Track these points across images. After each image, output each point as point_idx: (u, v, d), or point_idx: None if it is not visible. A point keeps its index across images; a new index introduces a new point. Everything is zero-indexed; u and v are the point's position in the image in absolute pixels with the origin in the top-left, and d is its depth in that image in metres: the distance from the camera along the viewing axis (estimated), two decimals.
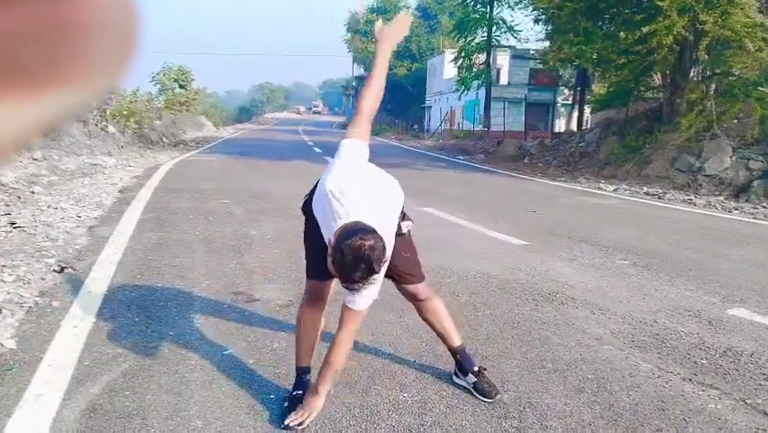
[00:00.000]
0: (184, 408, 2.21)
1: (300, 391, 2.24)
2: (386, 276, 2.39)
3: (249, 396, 2.34)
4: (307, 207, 2.20)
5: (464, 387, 2.44)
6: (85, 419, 2.11)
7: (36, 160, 8.86)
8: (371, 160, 2.21)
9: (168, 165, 11.83)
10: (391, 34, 2.29)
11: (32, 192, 6.87)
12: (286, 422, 2.09)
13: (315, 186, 2.22)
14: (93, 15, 0.22)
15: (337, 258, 1.79)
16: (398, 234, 2.18)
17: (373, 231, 1.82)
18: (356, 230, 1.81)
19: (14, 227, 5.00)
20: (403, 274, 2.33)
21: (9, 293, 3.34)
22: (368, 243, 1.77)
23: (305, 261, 2.33)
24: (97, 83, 0.24)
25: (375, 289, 2.02)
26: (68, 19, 0.22)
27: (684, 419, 2.26)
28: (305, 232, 2.31)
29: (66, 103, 0.24)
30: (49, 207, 6.08)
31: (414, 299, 2.43)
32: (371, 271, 1.79)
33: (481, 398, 2.35)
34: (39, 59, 0.21)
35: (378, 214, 1.94)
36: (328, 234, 1.94)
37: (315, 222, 2.11)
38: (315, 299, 2.32)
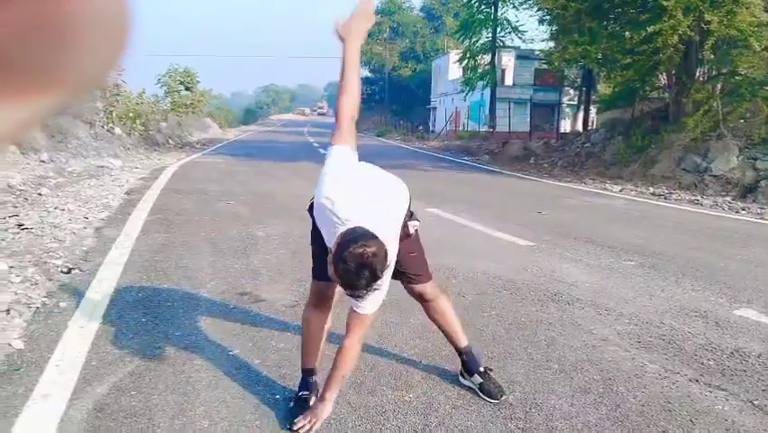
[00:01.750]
0: (190, 408, 2.22)
1: (306, 392, 2.24)
2: (393, 277, 2.39)
3: (254, 396, 2.34)
4: (313, 209, 2.20)
5: (470, 387, 2.44)
6: (92, 418, 2.12)
7: (43, 162, 8.91)
8: (376, 162, 2.22)
9: (174, 167, 11.87)
10: (358, 26, 2.09)
11: (40, 194, 6.91)
12: (294, 428, 2.08)
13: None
14: (82, 11, 0.23)
15: (339, 267, 1.73)
16: (406, 234, 2.16)
17: (374, 237, 1.76)
18: (356, 237, 1.75)
19: (22, 229, 5.03)
20: (410, 274, 2.33)
21: (17, 294, 3.36)
22: (370, 249, 1.72)
23: (311, 261, 2.33)
24: (88, 80, 0.25)
25: (381, 293, 1.98)
26: (60, 17, 0.22)
27: (691, 421, 2.25)
28: (311, 233, 2.31)
29: (56, 99, 0.24)
30: (56, 208, 6.11)
31: (421, 298, 2.42)
32: (375, 277, 1.74)
33: (487, 399, 2.35)
34: (31, 58, 0.22)
35: (378, 216, 1.89)
36: (329, 243, 1.89)
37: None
38: (320, 299, 2.32)
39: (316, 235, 2.17)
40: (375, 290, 1.81)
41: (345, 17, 2.11)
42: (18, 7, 0.21)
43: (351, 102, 2.09)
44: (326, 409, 2.12)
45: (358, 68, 2.11)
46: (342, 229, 1.82)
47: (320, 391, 2.26)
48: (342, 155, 2.03)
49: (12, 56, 0.21)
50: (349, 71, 2.08)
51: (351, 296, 1.88)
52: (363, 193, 1.96)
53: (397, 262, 2.06)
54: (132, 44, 0.25)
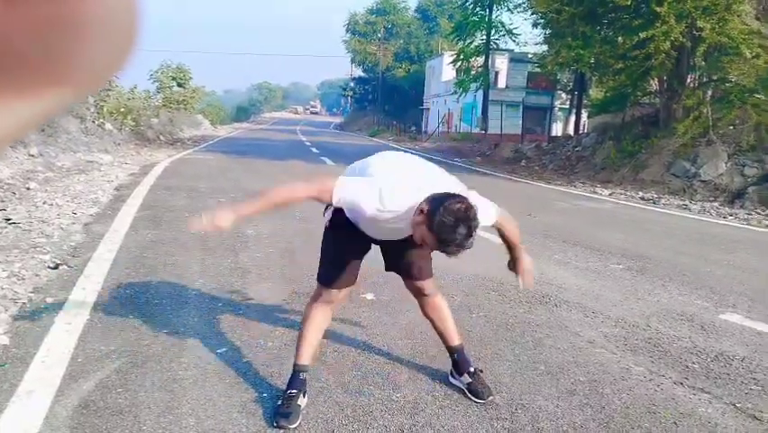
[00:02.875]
0: (177, 405, 2.21)
1: (294, 390, 2.24)
2: (394, 270, 2.41)
3: (242, 394, 2.34)
4: (335, 216, 2.18)
5: (457, 388, 2.45)
6: (77, 415, 2.11)
7: (32, 156, 8.83)
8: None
9: (164, 163, 11.80)
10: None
11: (28, 188, 6.86)
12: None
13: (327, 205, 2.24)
14: (94, 11, 0.23)
15: (436, 222, 1.78)
16: None
17: (463, 196, 1.85)
18: (448, 195, 1.83)
19: (9, 223, 4.98)
20: (415, 268, 2.34)
21: (3, 289, 3.33)
22: (465, 204, 1.80)
23: (320, 267, 2.32)
24: (96, 78, 0.25)
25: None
26: (69, 15, 0.22)
27: (675, 423, 2.28)
28: (328, 238, 2.30)
29: (64, 98, 0.24)
30: (44, 203, 6.06)
31: (420, 294, 2.44)
32: (470, 232, 1.80)
33: (474, 399, 2.36)
34: (43, 56, 0.22)
35: (440, 181, 1.99)
36: (404, 216, 1.94)
37: (345, 230, 2.14)
38: (328, 302, 2.33)
39: (337, 240, 2.18)
40: (467, 248, 1.84)
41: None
42: (33, 6, 0.21)
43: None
44: (226, 217, 1.94)
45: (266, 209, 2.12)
46: (423, 196, 1.88)
47: (306, 389, 2.27)
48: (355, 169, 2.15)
49: (26, 53, 0.22)
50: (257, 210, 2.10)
51: (443, 251, 1.89)
52: (416, 172, 2.07)
53: (406, 254, 2.08)
54: (139, 44, 0.25)
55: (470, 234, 1.80)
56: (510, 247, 2.33)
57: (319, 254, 2.36)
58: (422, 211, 1.85)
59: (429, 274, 2.40)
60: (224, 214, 1.94)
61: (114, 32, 0.24)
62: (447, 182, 2.08)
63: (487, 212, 2.07)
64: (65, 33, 0.22)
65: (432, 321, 2.50)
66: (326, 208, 2.29)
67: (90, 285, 3.56)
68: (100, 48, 0.24)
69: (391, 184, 1.96)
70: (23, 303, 3.19)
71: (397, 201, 1.94)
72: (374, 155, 2.25)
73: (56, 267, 3.87)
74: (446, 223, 1.78)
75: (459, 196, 1.84)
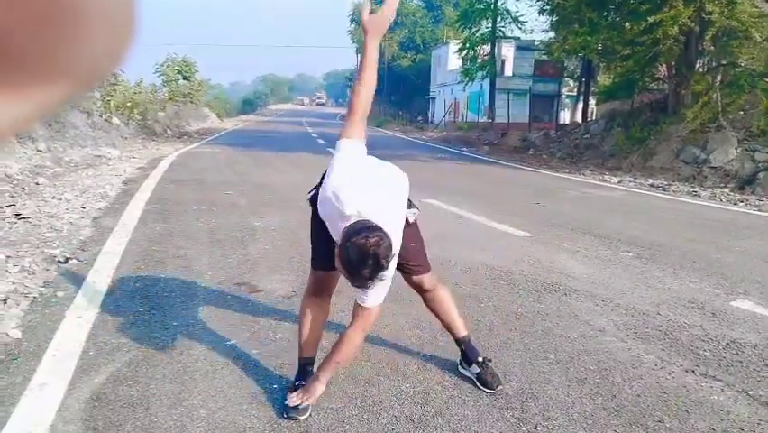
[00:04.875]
0: (187, 397, 2.23)
1: (303, 382, 2.24)
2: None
3: (252, 386, 2.35)
4: (314, 199, 2.19)
5: (467, 377, 2.45)
6: (89, 408, 2.13)
7: (40, 151, 8.88)
8: (374, 152, 2.21)
9: (172, 156, 11.84)
10: (381, 21, 2.08)
11: (37, 183, 6.90)
12: (288, 402, 2.10)
13: (322, 178, 2.22)
14: (93, 3, 0.23)
15: (344, 257, 1.79)
16: (405, 223, 2.17)
17: (378, 228, 1.81)
18: (360, 228, 1.80)
19: (19, 218, 5.02)
20: (410, 265, 2.33)
21: (14, 283, 3.36)
22: (372, 240, 1.76)
23: (310, 251, 2.33)
24: (96, 71, 0.24)
25: (385, 286, 2.02)
26: (68, 8, 0.22)
27: (686, 411, 2.26)
28: (311, 222, 2.30)
29: (62, 93, 0.24)
30: (53, 198, 6.10)
31: (420, 289, 2.43)
32: (379, 268, 1.78)
33: (484, 388, 2.36)
34: (40, 49, 0.22)
35: (382, 207, 1.93)
36: (336, 235, 1.93)
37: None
38: (319, 289, 2.32)
39: (317, 226, 2.17)
40: (380, 280, 1.84)
41: (369, 8, 2.09)
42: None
43: (369, 95, 2.11)
44: (319, 389, 2.14)
45: (377, 62, 2.11)
46: (346, 223, 1.86)
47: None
48: (352, 149, 2.06)
49: (26, 47, 0.21)
50: (369, 64, 2.09)
51: (357, 287, 1.91)
52: (370, 186, 1.98)
53: (400, 251, 2.07)
54: (138, 38, 0.25)
55: (378, 269, 1.78)
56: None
57: None
58: (338, 244, 1.85)
59: (427, 269, 2.39)
60: (316, 387, 2.14)
61: (113, 24, 0.24)
62: (391, 193, 2.05)
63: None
64: (64, 26, 0.22)
65: (436, 314, 2.50)
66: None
67: (100, 279, 3.58)
68: (99, 41, 0.24)
69: (346, 180, 1.95)
70: (34, 297, 3.22)
71: (351, 197, 1.90)
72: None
73: (66, 261, 3.89)
74: (350, 258, 1.77)
75: (370, 229, 1.79)
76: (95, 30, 0.23)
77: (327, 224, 2.03)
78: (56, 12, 0.21)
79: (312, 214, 2.24)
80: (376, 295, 2.03)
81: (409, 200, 2.22)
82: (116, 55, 0.25)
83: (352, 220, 1.86)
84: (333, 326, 2.77)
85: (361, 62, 2.12)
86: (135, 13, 0.25)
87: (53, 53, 0.22)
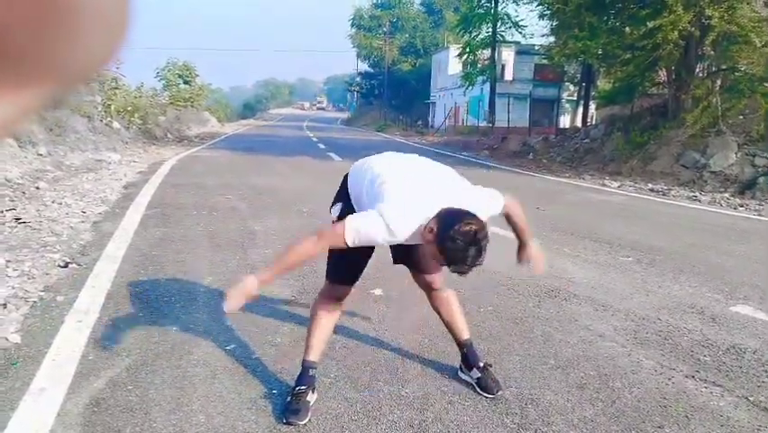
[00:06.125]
0: (187, 402, 2.22)
1: (303, 387, 2.23)
2: (403, 263, 2.41)
3: (251, 391, 2.35)
4: (342, 216, 2.11)
5: (467, 382, 2.44)
6: (88, 413, 2.12)
7: (41, 155, 8.89)
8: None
9: (172, 161, 11.85)
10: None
11: (37, 188, 6.90)
12: (224, 307, 2.00)
13: (339, 193, 2.23)
14: (86, 3, 0.23)
15: (448, 246, 1.79)
16: None
17: (473, 214, 1.84)
18: (459, 214, 1.82)
19: (19, 223, 5.02)
20: (423, 262, 2.33)
21: (14, 288, 3.36)
22: (476, 226, 1.79)
23: (328, 264, 2.29)
24: (85, 71, 0.25)
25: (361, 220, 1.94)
26: (62, 4, 0.22)
27: (686, 416, 2.26)
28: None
29: (53, 91, 0.24)
30: (53, 202, 6.10)
31: (429, 288, 2.43)
32: (480, 253, 1.81)
33: (483, 393, 2.35)
34: (32, 47, 0.22)
35: (452, 199, 1.94)
36: (415, 232, 1.91)
37: None
38: (335, 300, 2.32)
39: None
40: (479, 265, 1.86)
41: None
42: None
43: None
44: (251, 283, 1.95)
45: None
46: (429, 216, 1.87)
47: (315, 386, 2.27)
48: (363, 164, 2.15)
49: (22, 45, 0.21)
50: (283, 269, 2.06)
51: (455, 271, 1.91)
52: (418, 191, 1.98)
53: (414, 248, 2.08)
54: (131, 36, 0.25)
55: (479, 255, 1.81)
56: (518, 233, 2.32)
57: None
58: (431, 230, 1.85)
59: (439, 268, 2.39)
60: (249, 283, 1.94)
61: (108, 22, 0.24)
62: (452, 185, 2.07)
63: (494, 203, 2.10)
64: (61, 25, 0.22)
65: (440, 315, 2.50)
66: (333, 204, 2.28)
67: (100, 283, 3.58)
68: (94, 39, 0.24)
69: (397, 210, 1.90)
70: (34, 302, 3.22)
71: (405, 227, 1.91)
72: (377, 158, 2.23)
73: (66, 266, 3.89)
74: (457, 246, 1.78)
75: (468, 215, 1.82)
76: (90, 28, 0.23)
77: (393, 242, 1.99)
78: (54, 10, 0.22)
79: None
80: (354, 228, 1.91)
81: None
82: (109, 53, 0.25)
83: (433, 205, 1.87)
84: (338, 329, 2.77)
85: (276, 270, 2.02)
86: (130, 11, 0.25)
87: (51, 51, 0.22)
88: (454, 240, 1.77)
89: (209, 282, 3.74)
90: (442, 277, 2.42)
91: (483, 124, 26.03)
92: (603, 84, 19.92)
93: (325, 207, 2.32)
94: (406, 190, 1.97)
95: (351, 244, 1.93)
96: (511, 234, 2.41)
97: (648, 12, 11.10)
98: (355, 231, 1.90)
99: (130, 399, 2.23)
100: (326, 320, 2.32)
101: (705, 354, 2.87)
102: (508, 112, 22.72)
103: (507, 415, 2.23)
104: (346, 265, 2.26)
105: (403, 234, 1.93)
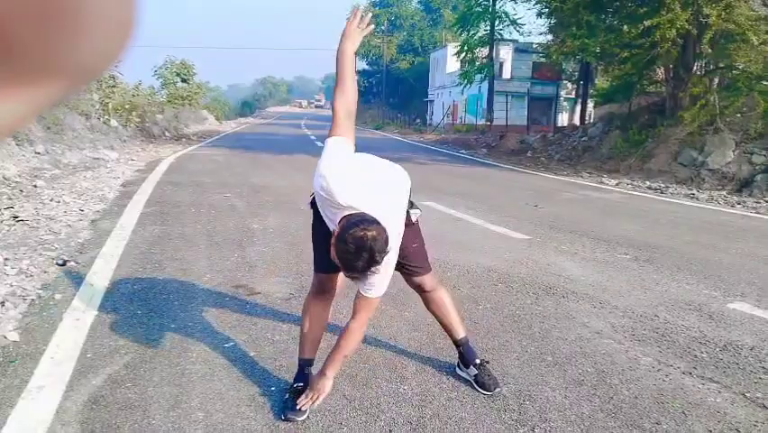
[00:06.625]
0: (185, 400, 2.23)
1: (301, 384, 2.25)
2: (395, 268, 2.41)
3: (250, 388, 2.35)
4: (314, 202, 2.20)
5: (465, 379, 2.45)
6: (87, 410, 2.13)
7: (39, 154, 8.87)
8: (374, 154, 2.22)
9: (170, 159, 11.84)
10: (359, 35, 2.19)
11: (35, 186, 6.89)
12: (298, 406, 2.11)
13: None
14: (91, 3, 0.23)
15: (340, 248, 1.80)
16: (407, 223, 2.17)
17: (375, 221, 1.83)
18: (358, 221, 1.82)
19: (17, 221, 5.01)
20: (411, 266, 2.34)
21: (12, 286, 3.36)
22: (370, 233, 1.78)
23: (312, 254, 2.33)
24: (93, 68, 0.25)
25: (386, 277, 2.03)
26: (68, 4, 0.22)
27: (683, 413, 2.27)
28: (312, 225, 2.31)
29: (57, 90, 0.24)
30: (51, 200, 6.10)
31: (420, 290, 2.44)
32: (373, 260, 1.80)
33: (481, 390, 2.36)
34: (36, 46, 0.22)
35: (379, 204, 1.94)
36: (332, 226, 1.95)
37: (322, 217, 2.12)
38: (321, 291, 2.33)
39: (318, 227, 2.18)
40: (373, 273, 1.87)
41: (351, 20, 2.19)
42: None
43: (347, 98, 2.13)
44: (327, 385, 2.14)
45: (354, 67, 2.19)
46: (342, 213, 1.88)
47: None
48: (338, 146, 2.06)
49: (25, 43, 0.21)
50: (346, 71, 2.14)
51: (349, 278, 1.94)
52: (362, 180, 1.99)
53: (399, 253, 2.08)
54: (135, 36, 0.25)
55: (372, 263, 1.80)
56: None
57: None
58: (335, 230, 1.87)
59: (428, 270, 2.40)
60: (324, 383, 2.14)
61: (113, 22, 0.24)
62: (397, 199, 2.08)
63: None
64: (65, 23, 0.22)
65: (435, 316, 2.50)
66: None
67: (98, 281, 3.58)
68: (98, 38, 0.24)
69: (339, 167, 1.96)
70: (32, 300, 3.22)
71: (340, 180, 1.91)
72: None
73: (64, 264, 3.89)
74: (348, 249, 1.78)
75: (372, 222, 1.81)
76: (94, 27, 0.23)
77: (326, 220, 2.04)
78: (58, 8, 0.22)
79: (313, 217, 2.25)
80: (378, 287, 2.04)
81: (411, 201, 2.24)
82: (114, 53, 0.25)
83: (347, 212, 1.87)
84: (333, 327, 2.77)
85: (338, 67, 2.14)
86: (135, 12, 0.25)
87: (54, 50, 0.22)
88: (346, 242, 1.78)
89: (207, 280, 3.74)
90: (433, 279, 2.43)
91: (481, 122, 26.03)
92: (601, 82, 19.95)
93: None
94: (357, 170, 2.03)
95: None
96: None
97: (646, 10, 11.11)
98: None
99: (128, 396, 2.23)
100: (317, 316, 2.33)
101: (702, 350, 2.88)
102: (507, 110, 22.72)
103: (505, 411, 2.23)
104: (321, 251, 2.25)
105: (335, 183, 1.90)
